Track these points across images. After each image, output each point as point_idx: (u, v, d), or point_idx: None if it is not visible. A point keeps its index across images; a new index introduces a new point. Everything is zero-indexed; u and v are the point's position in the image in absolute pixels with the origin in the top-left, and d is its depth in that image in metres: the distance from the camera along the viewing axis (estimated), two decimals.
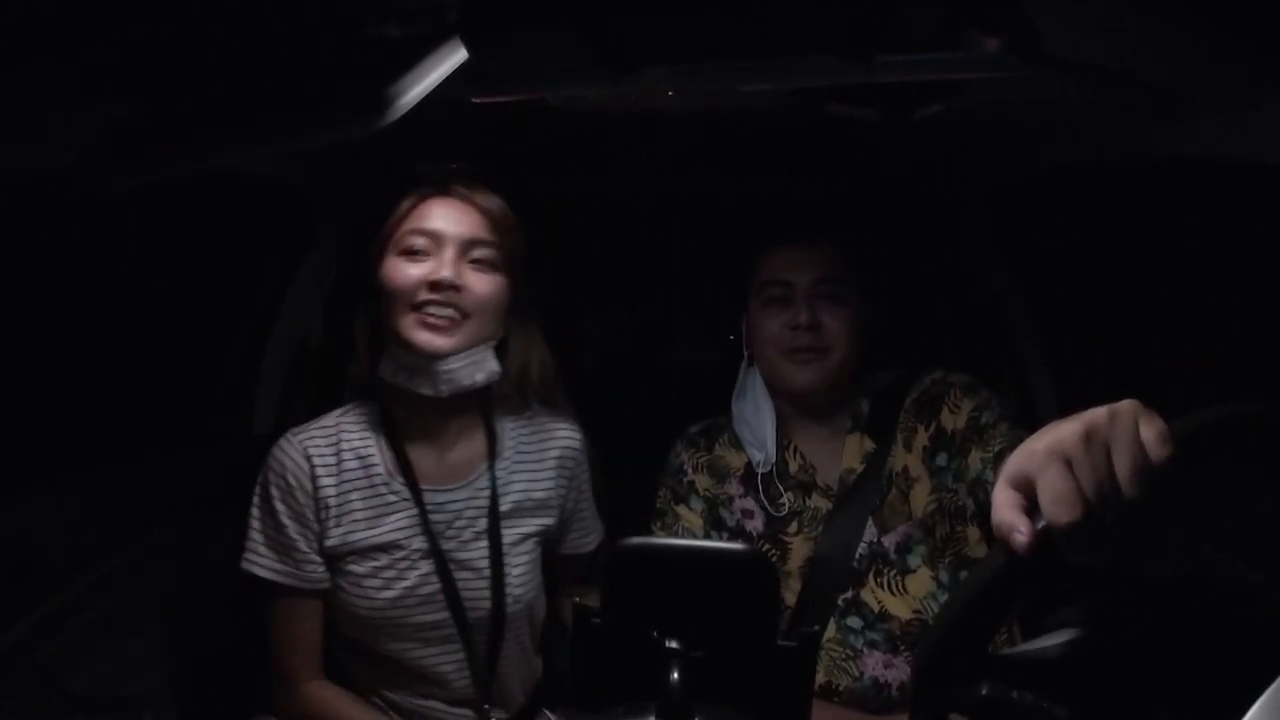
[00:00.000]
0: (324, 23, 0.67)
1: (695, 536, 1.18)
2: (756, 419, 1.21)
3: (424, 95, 0.69)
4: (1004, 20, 0.67)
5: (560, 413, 1.20)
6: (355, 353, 1.12)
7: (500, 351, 1.11)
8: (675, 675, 0.63)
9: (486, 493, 1.10)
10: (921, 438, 1.16)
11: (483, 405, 1.13)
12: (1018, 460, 0.54)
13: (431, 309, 1.01)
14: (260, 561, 1.05)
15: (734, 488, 1.21)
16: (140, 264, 1.24)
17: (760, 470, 1.19)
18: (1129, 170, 1.09)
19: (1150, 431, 0.51)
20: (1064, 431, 0.52)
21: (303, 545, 1.04)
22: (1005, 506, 0.53)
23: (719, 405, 1.28)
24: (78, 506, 0.99)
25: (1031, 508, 0.52)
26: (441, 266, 1.01)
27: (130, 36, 0.64)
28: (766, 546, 1.17)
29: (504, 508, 1.11)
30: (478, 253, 1.05)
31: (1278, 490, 0.62)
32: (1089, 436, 0.51)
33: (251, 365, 1.40)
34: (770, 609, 0.72)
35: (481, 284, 1.04)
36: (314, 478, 1.05)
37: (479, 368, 1.06)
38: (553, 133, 1.30)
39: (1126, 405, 0.53)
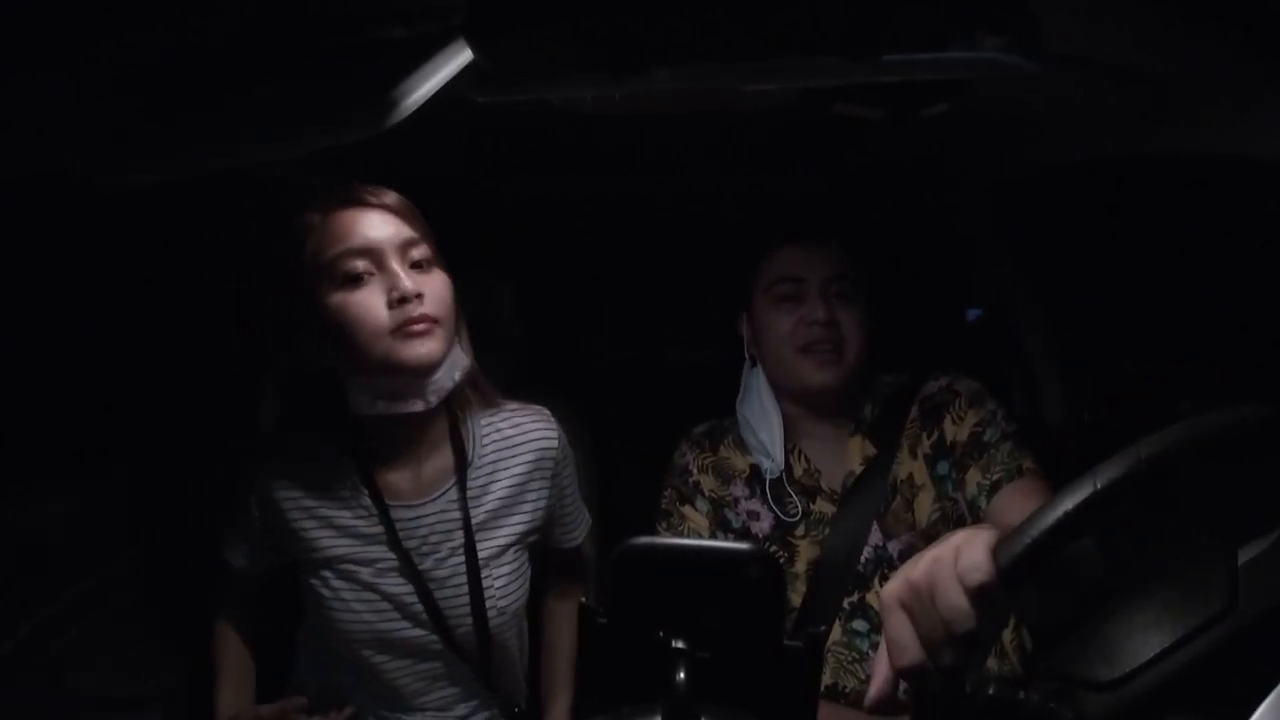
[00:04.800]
0: (328, 24, 0.67)
1: (701, 537, 1.18)
2: (763, 423, 1.21)
3: (429, 96, 0.69)
4: (1009, 18, 0.67)
5: (528, 405, 1.15)
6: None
7: None
8: (681, 675, 0.63)
9: (459, 505, 1.06)
10: (924, 445, 1.16)
11: (450, 412, 1.08)
12: (883, 595, 0.64)
13: (411, 327, 0.93)
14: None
15: (739, 490, 1.21)
16: (144, 265, 1.23)
17: (769, 477, 1.19)
18: (1135, 168, 1.09)
19: (967, 563, 0.59)
20: (893, 583, 0.63)
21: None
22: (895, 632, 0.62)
23: (723, 405, 1.28)
24: (84, 506, 0.99)
25: None
26: (397, 281, 0.93)
27: (132, 37, 0.63)
28: (774, 548, 1.17)
29: (480, 518, 1.07)
30: (414, 253, 0.97)
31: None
32: (915, 589, 0.61)
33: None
34: (776, 608, 0.72)
35: (433, 283, 0.96)
36: (275, 489, 1.04)
37: (455, 366, 1.01)
38: (557, 133, 1.30)
39: (949, 545, 0.61)
